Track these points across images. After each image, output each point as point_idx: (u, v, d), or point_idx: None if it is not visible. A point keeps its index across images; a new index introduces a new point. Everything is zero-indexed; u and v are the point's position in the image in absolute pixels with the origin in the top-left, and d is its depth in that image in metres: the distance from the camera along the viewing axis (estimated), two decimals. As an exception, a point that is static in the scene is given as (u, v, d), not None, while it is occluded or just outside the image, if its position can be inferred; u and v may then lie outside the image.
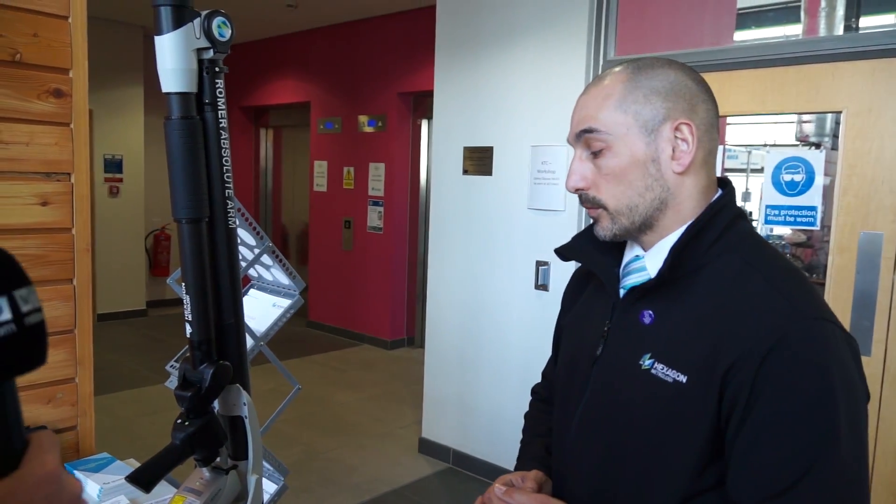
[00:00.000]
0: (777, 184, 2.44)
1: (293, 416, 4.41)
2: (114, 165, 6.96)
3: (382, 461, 3.84)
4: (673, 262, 0.88)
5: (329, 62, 6.68)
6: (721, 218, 0.90)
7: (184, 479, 0.93)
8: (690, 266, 0.89)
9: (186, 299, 0.89)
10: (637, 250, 0.97)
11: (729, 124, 7.78)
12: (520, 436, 1.20)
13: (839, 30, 5.54)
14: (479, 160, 3.53)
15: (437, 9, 3.70)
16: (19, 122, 1.40)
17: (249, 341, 1.46)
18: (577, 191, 0.95)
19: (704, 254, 0.89)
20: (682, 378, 0.85)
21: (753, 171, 10.15)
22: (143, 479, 0.85)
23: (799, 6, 6.46)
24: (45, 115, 1.44)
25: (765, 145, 9.59)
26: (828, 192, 2.44)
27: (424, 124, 6.14)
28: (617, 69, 0.94)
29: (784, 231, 8.03)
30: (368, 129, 6.31)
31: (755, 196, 10.58)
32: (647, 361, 0.89)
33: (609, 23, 3.01)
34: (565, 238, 1.11)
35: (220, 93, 0.90)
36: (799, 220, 2.40)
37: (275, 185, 8.05)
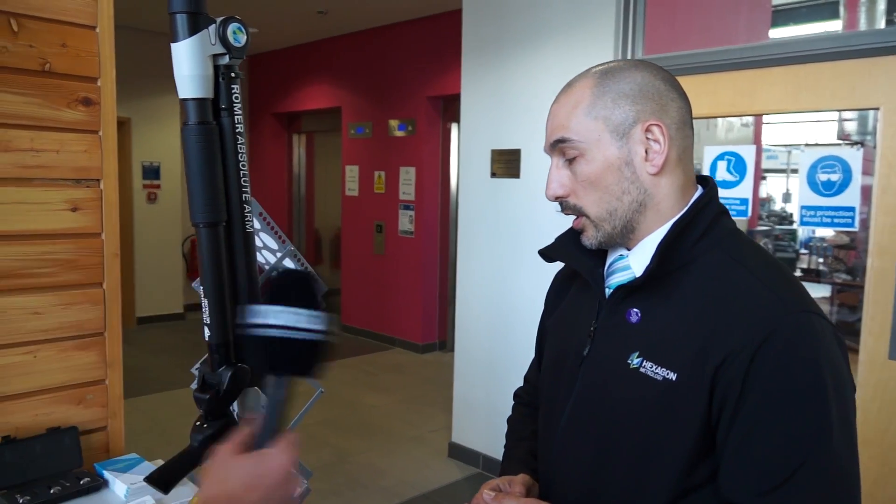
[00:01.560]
0: (813, 184, 2.37)
1: (323, 418, 4.45)
2: (151, 172, 7.12)
3: (411, 465, 3.84)
4: (660, 260, 0.89)
5: (359, 67, 6.73)
6: (704, 215, 0.91)
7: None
8: (676, 263, 0.90)
9: (205, 302, 0.90)
10: (621, 249, 0.98)
11: (766, 123, 7.61)
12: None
13: (881, 24, 5.38)
14: (506, 163, 3.51)
15: (463, 11, 3.70)
16: (50, 131, 1.44)
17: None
18: (556, 199, 0.96)
19: (689, 251, 0.90)
20: (672, 376, 0.85)
21: (794, 171, 9.90)
22: (162, 481, 0.86)
23: (838, 1, 6.29)
24: (75, 123, 1.47)
25: (806, 145, 9.36)
26: (869, 193, 2.36)
27: (454, 127, 6.14)
28: (581, 77, 0.95)
29: (826, 233, 7.81)
30: (399, 134, 6.34)
31: (796, 197, 10.28)
32: (635, 360, 0.89)
33: (637, 22, 2.97)
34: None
35: (236, 98, 0.90)
36: (836, 221, 2.33)
37: (307, 189, 8.14)
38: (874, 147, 2.28)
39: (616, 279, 0.96)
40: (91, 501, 1.41)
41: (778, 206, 10.30)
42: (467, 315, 3.81)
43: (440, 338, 6.43)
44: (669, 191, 0.92)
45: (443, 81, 5.88)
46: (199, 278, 1.38)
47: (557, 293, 1.15)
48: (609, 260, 1.00)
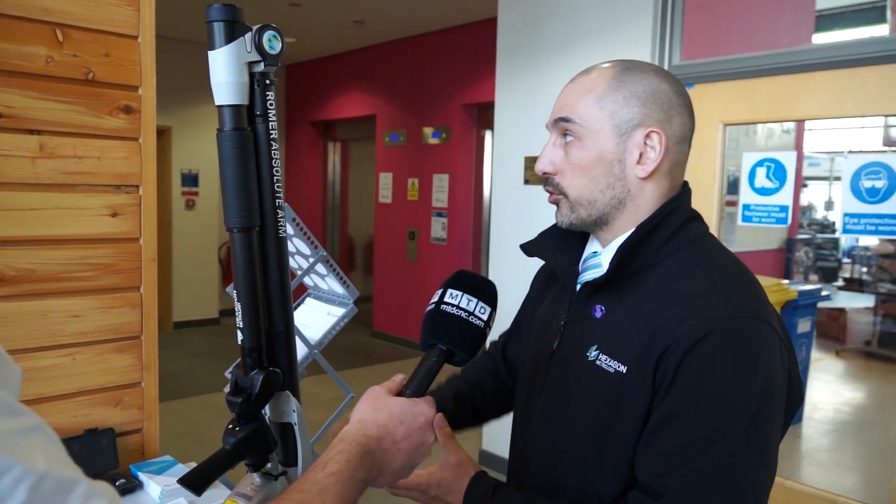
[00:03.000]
0: (857, 191, 2.30)
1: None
2: (190, 179, 7.27)
3: (443, 473, 3.81)
4: (620, 261, 0.91)
5: (394, 76, 6.78)
6: (673, 219, 0.93)
7: (237, 482, 0.95)
8: (641, 264, 0.92)
9: (238, 307, 0.91)
10: (596, 246, 1.00)
11: (808, 130, 7.44)
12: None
13: (929, 28, 5.22)
14: (540, 170, 3.49)
15: (498, 19, 3.70)
16: (92, 138, 1.48)
17: (304, 349, 1.47)
18: (544, 174, 0.98)
19: (655, 253, 0.92)
20: (623, 368, 0.88)
21: (837, 178, 9.65)
22: (195, 483, 0.87)
23: (885, 5, 6.13)
24: (116, 131, 1.51)
25: (850, 152, 9.12)
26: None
27: (488, 135, 6.14)
28: (606, 65, 0.96)
29: (871, 241, 7.59)
30: (433, 141, 6.36)
31: (839, 205, 10.02)
32: (593, 353, 0.93)
33: (674, 27, 2.93)
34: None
35: (271, 104, 0.91)
36: (881, 228, 2.26)
37: (342, 197, 8.21)
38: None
39: (587, 276, 0.99)
40: (126, 502, 1.43)
41: (819, 214, 10.07)
42: (498, 320, 3.78)
43: (472, 345, 6.40)
44: (651, 196, 0.94)
45: (477, 89, 5.88)
46: (231, 284, 1.40)
47: (545, 285, 1.18)
48: (584, 255, 1.03)
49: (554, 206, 1.00)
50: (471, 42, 5.92)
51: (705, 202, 2.73)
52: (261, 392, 0.89)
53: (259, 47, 0.89)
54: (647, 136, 0.91)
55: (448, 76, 6.18)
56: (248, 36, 0.88)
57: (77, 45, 1.43)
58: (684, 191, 0.97)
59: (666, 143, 0.91)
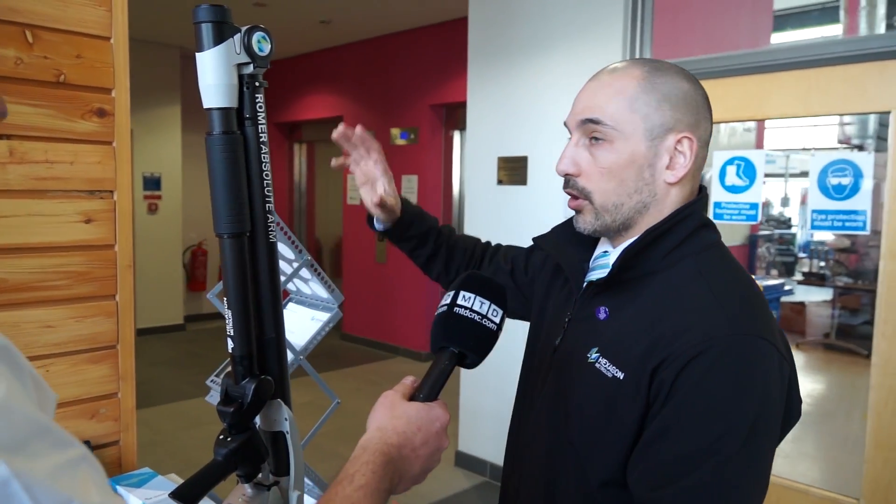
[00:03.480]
0: (824, 188, 2.36)
1: (329, 429, 4.40)
2: (152, 183, 7.11)
3: (419, 475, 3.81)
4: (622, 264, 0.91)
5: (361, 76, 6.74)
6: (684, 226, 0.91)
7: (226, 495, 0.93)
8: (646, 269, 0.91)
9: (228, 314, 0.89)
10: (607, 245, 1.00)
11: (767, 128, 7.62)
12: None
13: (881, 28, 5.40)
14: (513, 170, 3.51)
15: (469, 19, 3.70)
16: (64, 142, 1.43)
17: (289, 355, 1.45)
18: (566, 175, 0.96)
19: (662, 259, 0.91)
20: (620, 375, 0.88)
21: (792, 175, 9.93)
22: (188, 496, 0.85)
23: (838, 6, 6.32)
24: (89, 135, 1.46)
25: (804, 149, 9.38)
26: (874, 196, 2.36)
27: (457, 135, 6.15)
28: (630, 65, 0.94)
29: (826, 237, 7.82)
30: (401, 142, 6.34)
31: (794, 201, 10.35)
32: (593, 355, 0.92)
33: (644, 29, 2.97)
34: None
35: (260, 107, 0.90)
36: (847, 224, 2.32)
37: (308, 199, 8.13)
38: (875, 150, 2.29)
39: (594, 275, 0.98)
40: (107, 517, 1.39)
41: (776, 210, 10.34)
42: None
43: (443, 346, 6.39)
44: (674, 201, 0.94)
45: (445, 90, 5.88)
46: (213, 289, 1.37)
47: (552, 275, 1.15)
48: (595, 254, 1.03)
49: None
50: (438, 42, 5.92)
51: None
52: (253, 401, 0.87)
53: (248, 49, 0.87)
54: (679, 141, 0.90)
55: (415, 77, 6.17)
56: (237, 37, 0.86)
57: (48, 46, 1.38)
58: (699, 197, 0.96)
59: (695, 149, 0.91)
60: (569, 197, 0.98)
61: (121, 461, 1.60)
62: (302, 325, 1.52)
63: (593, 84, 0.94)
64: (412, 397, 0.86)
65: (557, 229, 1.07)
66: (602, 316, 0.95)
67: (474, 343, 0.85)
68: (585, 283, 1.00)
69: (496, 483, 3.69)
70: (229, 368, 0.91)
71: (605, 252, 0.99)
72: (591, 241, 1.04)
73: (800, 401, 0.91)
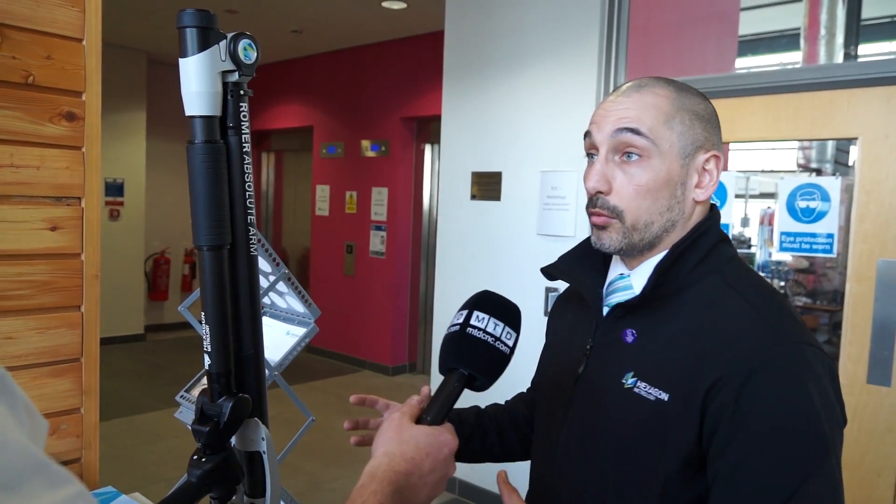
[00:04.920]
0: (792, 210, 2.41)
1: (297, 444, 4.33)
2: (115, 189, 6.94)
3: (386, 491, 3.75)
4: (657, 281, 0.89)
5: (332, 87, 6.70)
6: (706, 241, 0.91)
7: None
8: (673, 286, 0.90)
9: (205, 330, 0.86)
10: (621, 268, 0.97)
11: (731, 150, 7.81)
12: (527, 469, 1.17)
13: (839, 57, 5.58)
14: (487, 185, 3.51)
15: (445, 34, 3.71)
16: (31, 146, 1.37)
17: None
18: (596, 193, 0.93)
19: (688, 275, 0.90)
20: (665, 396, 0.85)
21: (752, 196, 10.20)
22: (160, 520, 0.81)
23: (798, 34, 6.52)
24: (57, 139, 1.41)
25: (763, 171, 9.64)
26: (840, 219, 2.42)
27: (428, 149, 6.14)
28: (656, 82, 0.93)
29: (785, 257, 8.02)
30: (371, 154, 6.31)
31: (754, 222, 10.64)
32: (630, 380, 0.89)
33: (619, 48, 3.01)
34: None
35: (245, 117, 0.87)
36: (815, 247, 2.37)
37: (275, 209, 8.04)
38: (832, 174, 2.35)
39: (616, 298, 0.96)
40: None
41: (737, 230, 10.60)
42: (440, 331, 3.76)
43: (410, 360, 6.35)
44: (697, 219, 0.94)
45: (417, 103, 5.88)
46: (185, 302, 1.32)
47: (557, 317, 1.14)
48: (609, 279, 1.00)
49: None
50: (411, 56, 5.93)
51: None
52: (229, 420, 0.84)
53: (234, 56, 0.85)
54: (707, 160, 0.91)
55: (387, 89, 6.16)
56: (223, 44, 0.84)
57: (16, 46, 1.33)
58: (715, 213, 0.96)
59: (720, 167, 0.91)
60: (592, 215, 0.94)
61: (82, 479, 1.53)
62: (277, 339, 1.48)
63: (622, 98, 0.92)
64: (419, 419, 0.82)
65: (564, 258, 1.04)
66: (629, 339, 0.92)
67: (486, 366, 0.83)
68: (609, 307, 0.96)
69: (465, 500, 3.65)
70: (202, 384, 0.88)
71: (622, 275, 0.97)
72: (601, 266, 1.02)
73: (842, 402, 0.87)
